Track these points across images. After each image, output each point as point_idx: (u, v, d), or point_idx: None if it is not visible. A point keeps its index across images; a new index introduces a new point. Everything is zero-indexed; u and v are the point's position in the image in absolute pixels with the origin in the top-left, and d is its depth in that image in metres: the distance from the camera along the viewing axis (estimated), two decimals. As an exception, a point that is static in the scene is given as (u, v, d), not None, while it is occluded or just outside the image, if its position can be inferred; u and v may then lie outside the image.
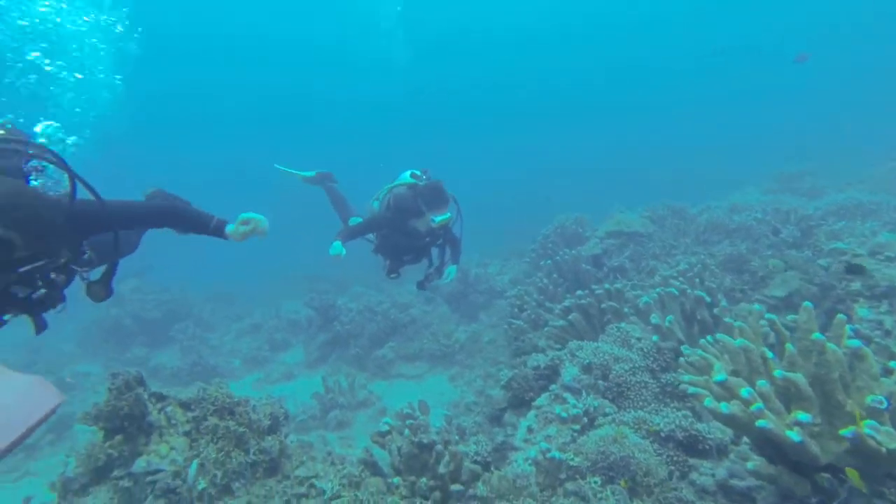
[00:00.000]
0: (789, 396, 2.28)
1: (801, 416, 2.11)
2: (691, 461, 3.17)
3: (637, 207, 8.60)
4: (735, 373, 2.57)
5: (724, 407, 2.26)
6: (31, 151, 2.08)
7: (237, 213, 2.83)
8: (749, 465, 2.28)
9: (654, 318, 4.10)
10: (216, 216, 2.77)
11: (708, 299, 4.41)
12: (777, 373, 2.28)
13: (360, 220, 5.90)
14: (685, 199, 9.29)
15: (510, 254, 11.27)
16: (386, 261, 5.76)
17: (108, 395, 3.12)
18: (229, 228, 2.71)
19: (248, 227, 2.70)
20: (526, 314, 6.17)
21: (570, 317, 4.90)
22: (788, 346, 2.42)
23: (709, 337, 3.04)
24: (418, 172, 5.34)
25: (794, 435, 2.05)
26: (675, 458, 3.16)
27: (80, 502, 3.00)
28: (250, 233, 2.70)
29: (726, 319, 3.87)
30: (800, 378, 2.21)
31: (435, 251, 5.84)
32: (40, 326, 2.47)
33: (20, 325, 2.54)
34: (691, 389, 2.50)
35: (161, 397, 3.31)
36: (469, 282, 9.95)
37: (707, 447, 3.21)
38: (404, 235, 5.25)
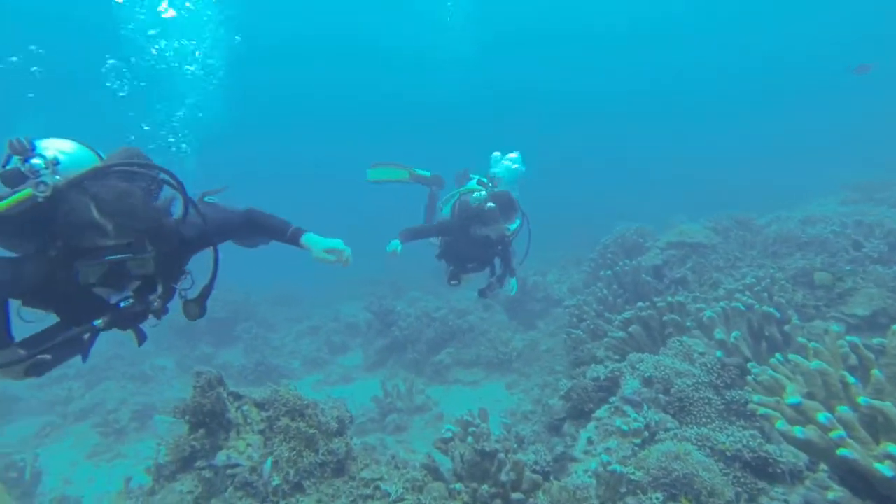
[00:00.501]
0: (877, 426, 2.19)
1: (894, 448, 2.02)
2: (760, 484, 3.07)
3: (700, 218, 8.35)
4: (810, 396, 2.49)
5: (798, 431, 2.20)
6: (153, 173, 2.17)
7: (312, 213, 2.90)
8: (830, 495, 2.22)
9: (719, 334, 4.01)
10: (292, 224, 2.77)
11: (777, 315, 4.25)
12: (862, 400, 2.19)
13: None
14: (752, 209, 8.95)
15: (568, 262, 11.18)
16: (449, 267, 5.74)
17: (192, 392, 3.36)
18: (308, 239, 2.70)
19: (332, 258, 2.70)
20: (585, 324, 6.13)
21: (630, 329, 4.84)
22: (875, 371, 2.33)
23: (778, 356, 2.95)
24: (485, 180, 5.38)
25: (886, 469, 1.96)
26: (742, 480, 3.08)
27: (170, 487, 3.24)
28: (334, 262, 2.72)
29: (799, 339, 3.73)
30: (889, 408, 2.12)
31: (497, 261, 5.84)
32: (141, 338, 2.62)
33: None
34: (761, 410, 2.45)
35: (238, 396, 3.53)
36: (527, 290, 9.94)
37: (779, 471, 3.10)
38: (472, 242, 5.23)
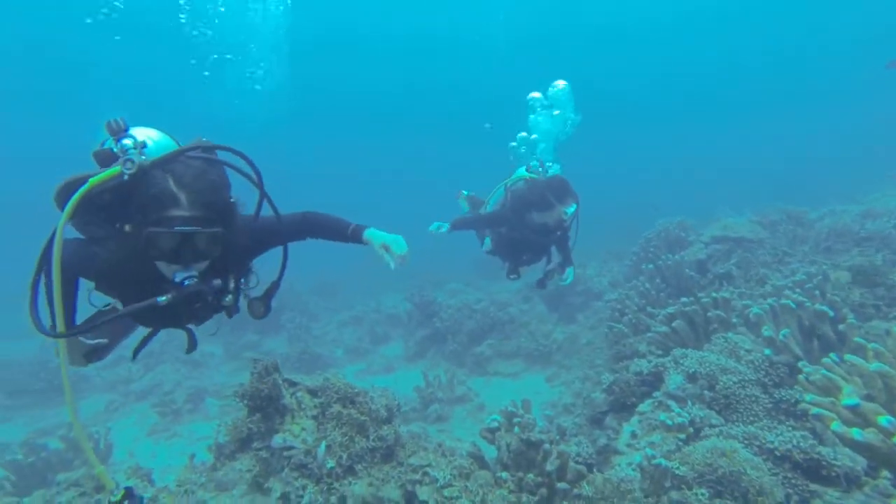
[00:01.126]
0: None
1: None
2: (813, 487, 3.03)
3: (745, 211, 8.13)
4: (869, 398, 2.46)
5: (856, 433, 2.19)
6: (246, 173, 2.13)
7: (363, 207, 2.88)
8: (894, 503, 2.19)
9: (767, 331, 3.95)
10: (352, 222, 2.68)
11: (831, 314, 4.15)
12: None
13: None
14: (802, 203, 8.65)
15: (609, 256, 11.06)
16: (504, 262, 5.53)
17: (251, 377, 3.54)
18: (369, 234, 2.58)
19: (388, 255, 2.54)
20: (627, 318, 6.11)
21: (673, 324, 4.81)
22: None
23: (833, 355, 2.90)
24: (535, 165, 5.15)
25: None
26: (792, 481, 3.04)
27: (230, 465, 3.45)
28: (393, 260, 2.56)
29: (855, 339, 3.63)
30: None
31: (552, 250, 5.56)
32: (192, 345, 2.67)
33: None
34: (815, 410, 2.43)
35: (292, 383, 3.71)
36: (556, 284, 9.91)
37: (833, 474, 3.04)
38: (527, 232, 5.01)
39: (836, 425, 2.25)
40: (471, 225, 5.36)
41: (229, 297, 2.27)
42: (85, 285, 2.24)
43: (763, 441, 3.26)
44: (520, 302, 9.77)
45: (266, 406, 3.56)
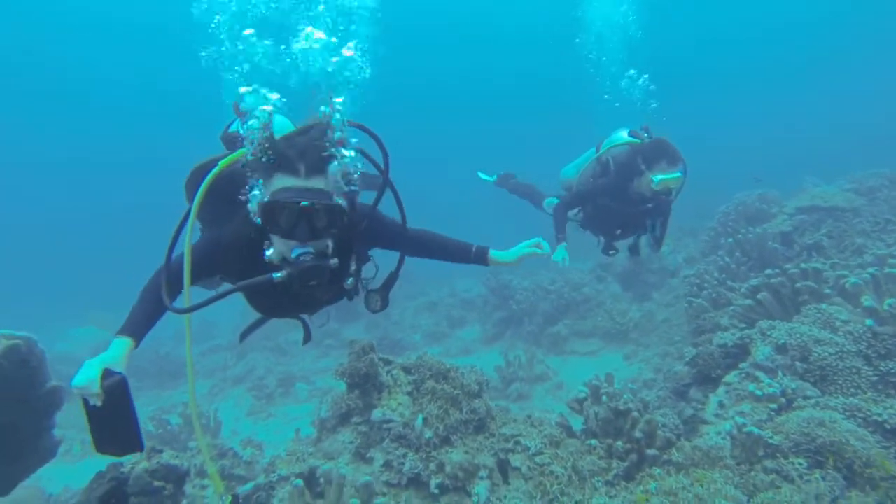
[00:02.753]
0: None
1: None
2: (930, 461, 2.94)
3: (837, 179, 7.65)
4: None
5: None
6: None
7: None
8: None
9: (868, 301, 3.80)
10: (474, 244, 2.61)
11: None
12: None
13: (555, 200, 5.24)
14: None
15: (682, 233, 10.73)
16: (598, 237, 5.06)
17: (349, 357, 3.84)
18: (496, 255, 2.55)
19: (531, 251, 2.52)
20: (706, 293, 6.00)
21: (758, 296, 4.70)
22: None
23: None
24: (638, 129, 4.60)
25: None
26: (907, 455, 2.96)
27: (332, 438, 3.78)
28: (536, 255, 2.55)
29: None
30: None
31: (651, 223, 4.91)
32: (307, 337, 2.78)
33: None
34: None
35: (387, 362, 3.99)
36: (641, 260, 9.75)
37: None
38: (626, 204, 4.50)
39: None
40: (565, 215, 4.75)
41: (350, 280, 2.25)
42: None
43: (868, 413, 3.18)
44: (594, 282, 9.71)
45: (364, 383, 3.85)
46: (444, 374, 3.75)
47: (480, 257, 2.56)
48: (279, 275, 1.89)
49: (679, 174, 4.14)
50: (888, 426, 2.98)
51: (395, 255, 2.60)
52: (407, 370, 3.90)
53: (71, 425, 6.35)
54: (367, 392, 3.87)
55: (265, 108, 1.99)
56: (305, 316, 2.76)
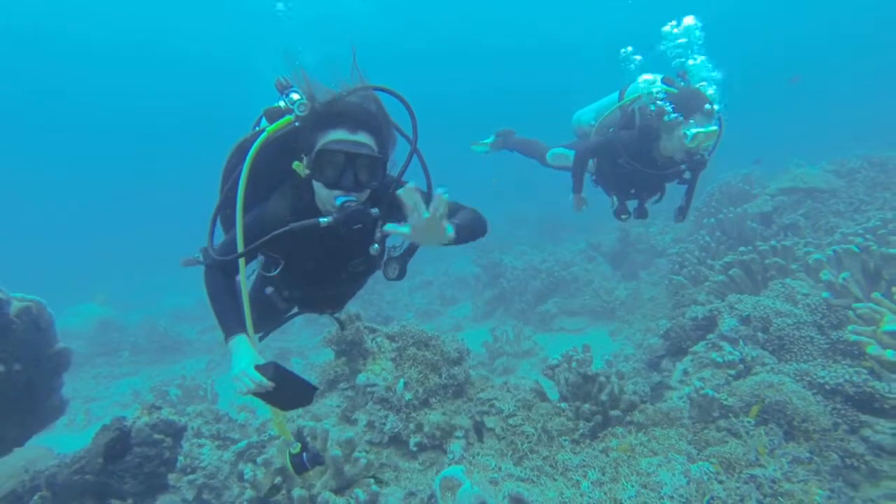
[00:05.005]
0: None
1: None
2: (863, 417, 3.16)
3: (821, 161, 7.83)
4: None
5: (890, 354, 2.38)
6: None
7: None
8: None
9: (826, 275, 4.02)
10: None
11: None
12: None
13: (561, 150, 4.93)
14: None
15: (672, 213, 10.94)
16: (611, 196, 4.62)
17: (336, 326, 4.07)
18: None
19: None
20: (686, 270, 6.23)
21: (730, 272, 4.93)
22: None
23: (877, 293, 3.02)
24: (673, 76, 4.07)
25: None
26: (842, 412, 3.19)
27: (322, 402, 4.02)
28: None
29: None
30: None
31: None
32: (341, 324, 2.97)
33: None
34: (853, 337, 2.62)
35: (372, 330, 4.22)
36: (629, 241, 9.98)
37: (886, 406, 3.15)
38: (646, 164, 4.09)
39: (872, 349, 2.44)
40: (583, 168, 4.42)
41: (376, 247, 2.30)
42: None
43: (814, 377, 3.42)
44: (584, 262, 9.95)
45: (350, 350, 4.09)
46: (425, 342, 3.98)
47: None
48: (326, 219, 2.01)
49: (716, 127, 3.72)
50: (828, 387, 3.20)
51: None
52: (391, 338, 4.13)
53: (75, 396, 6.64)
54: (354, 358, 4.12)
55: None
56: (330, 311, 2.90)
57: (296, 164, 2.07)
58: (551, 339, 8.26)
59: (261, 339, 2.97)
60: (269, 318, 2.76)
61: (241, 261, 2.10)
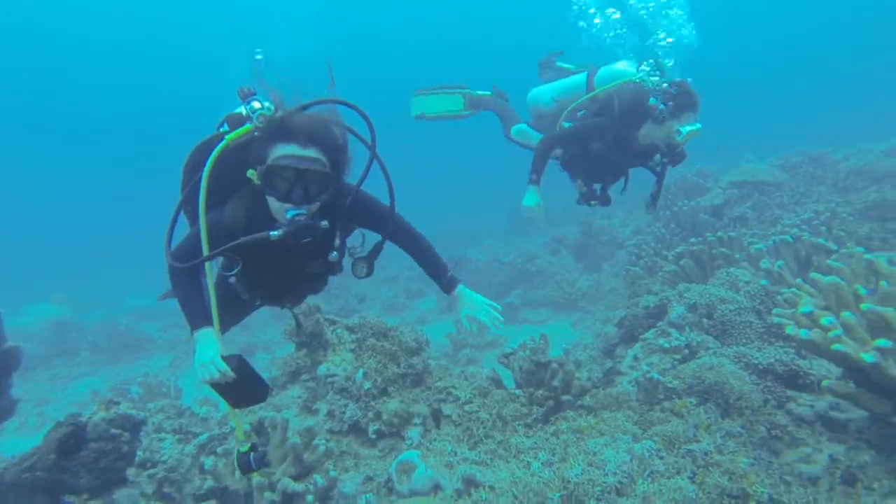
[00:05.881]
0: (880, 329, 2.50)
1: (881, 341, 2.36)
2: (790, 393, 3.42)
3: (768, 157, 8.20)
4: (826, 307, 2.81)
5: (803, 333, 2.57)
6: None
7: None
8: (825, 382, 2.58)
9: (765, 263, 4.25)
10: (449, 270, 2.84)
11: (835, 247, 4.40)
12: (864, 306, 2.51)
13: (525, 127, 4.81)
14: (834, 145, 8.60)
15: (634, 205, 11.22)
16: (575, 181, 4.47)
17: (296, 318, 4.11)
18: (461, 291, 2.81)
19: (485, 319, 2.76)
20: (643, 262, 6.46)
21: (681, 262, 5.14)
22: (882, 283, 2.62)
23: (799, 279, 3.23)
24: (651, 67, 3.93)
25: (869, 357, 2.32)
26: (772, 389, 3.43)
27: (283, 393, 4.07)
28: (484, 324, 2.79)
29: (828, 262, 3.90)
30: (889, 311, 2.43)
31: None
32: (298, 323, 3.05)
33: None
34: (776, 319, 2.81)
35: (332, 321, 4.27)
36: (592, 233, 10.22)
37: (808, 381, 3.43)
38: (623, 152, 4.03)
39: (790, 328, 2.62)
40: (546, 156, 4.20)
41: (335, 254, 2.40)
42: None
43: (750, 358, 3.64)
44: (547, 254, 10.16)
45: (311, 342, 4.14)
46: (384, 333, 4.06)
47: (449, 286, 2.77)
48: (276, 233, 2.09)
49: (700, 125, 3.73)
50: (761, 367, 3.43)
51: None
52: (351, 329, 4.19)
53: (28, 398, 6.49)
54: (314, 350, 4.17)
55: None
56: (290, 305, 2.96)
57: (250, 173, 2.13)
58: (516, 330, 8.42)
59: (223, 332, 3.06)
60: (233, 309, 2.81)
61: (205, 251, 2.14)
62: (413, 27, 30.02)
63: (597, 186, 4.48)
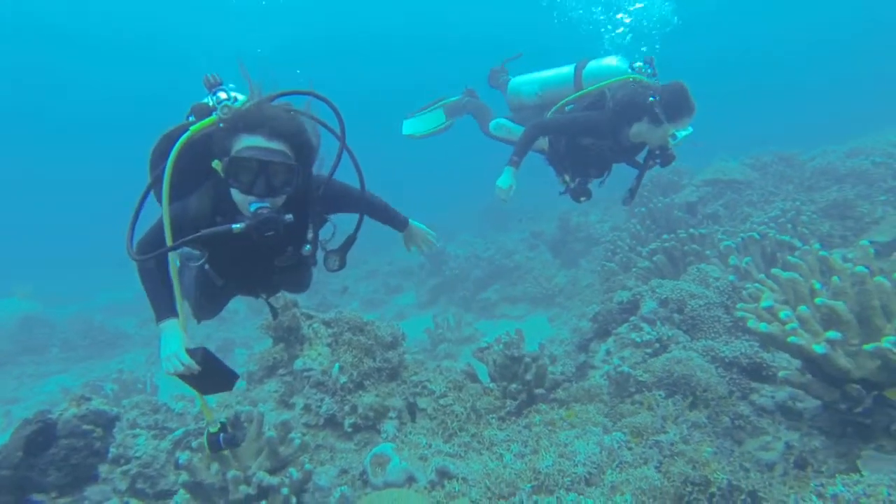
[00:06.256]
0: (831, 321, 2.63)
1: (831, 333, 2.48)
2: (753, 384, 3.54)
3: (740, 156, 8.41)
4: (785, 301, 2.93)
5: (763, 326, 2.67)
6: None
7: None
8: (781, 374, 2.69)
9: (733, 260, 4.38)
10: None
11: (799, 244, 4.56)
12: (818, 300, 2.63)
13: (503, 121, 4.76)
14: (803, 145, 8.85)
15: (611, 202, 11.39)
16: (563, 176, 4.39)
17: (271, 307, 4.11)
18: (414, 223, 3.07)
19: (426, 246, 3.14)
20: (618, 258, 6.58)
21: (654, 258, 5.25)
22: (835, 278, 2.74)
23: (762, 275, 3.35)
24: (640, 64, 3.94)
25: (820, 348, 2.43)
26: (737, 381, 3.56)
27: (260, 388, 4.07)
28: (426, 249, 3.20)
29: (789, 258, 4.03)
30: (839, 305, 2.55)
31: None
32: (274, 314, 3.06)
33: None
34: (739, 314, 2.91)
35: (309, 316, 4.28)
36: (570, 229, 10.35)
37: (771, 374, 3.56)
38: (612, 148, 4.00)
39: (751, 322, 2.73)
40: (529, 145, 4.09)
41: (308, 248, 2.40)
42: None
43: (717, 351, 3.76)
44: (525, 250, 10.26)
45: (288, 336, 4.15)
46: (360, 328, 4.09)
47: (403, 226, 3.06)
48: (239, 226, 2.05)
49: (691, 129, 3.77)
50: (727, 360, 3.54)
51: (353, 217, 2.72)
52: (327, 324, 4.21)
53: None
54: (291, 344, 4.18)
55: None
56: (264, 295, 2.95)
57: (215, 163, 2.10)
58: (493, 325, 8.53)
59: (207, 319, 3.04)
60: (211, 295, 2.82)
61: (169, 243, 2.12)
62: (397, 21, 29.80)
63: (577, 180, 4.41)
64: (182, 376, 2.10)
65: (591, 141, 4.03)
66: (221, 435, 2.35)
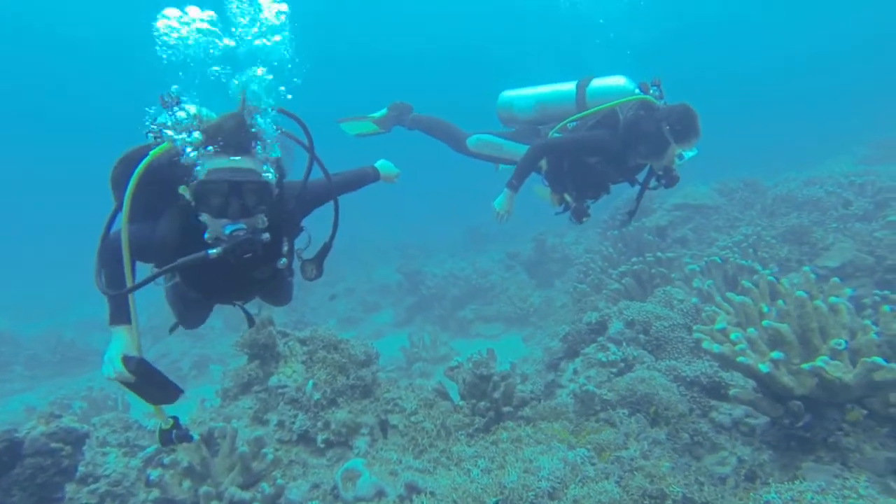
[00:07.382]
0: (777, 342, 2.80)
1: (775, 354, 2.65)
2: (713, 402, 3.71)
3: (710, 181, 8.74)
4: (738, 324, 3.10)
5: (716, 347, 2.83)
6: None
7: None
8: (731, 391, 2.85)
9: (696, 283, 4.58)
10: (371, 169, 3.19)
11: (759, 268, 4.78)
12: (765, 323, 2.81)
13: (486, 136, 4.60)
14: (768, 171, 9.25)
15: (587, 224, 11.66)
16: (562, 195, 4.31)
17: (249, 330, 4.17)
18: (381, 165, 3.24)
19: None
20: (590, 279, 6.76)
21: (623, 280, 5.44)
22: (780, 301, 2.93)
23: (718, 297, 3.53)
24: (647, 82, 3.91)
25: (764, 367, 2.60)
26: (697, 399, 3.72)
27: (235, 405, 4.11)
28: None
29: (743, 282, 4.19)
30: (783, 327, 2.74)
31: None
32: (250, 320, 3.07)
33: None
34: (695, 335, 3.08)
35: (284, 334, 4.35)
36: (545, 250, 10.56)
37: (728, 392, 3.72)
38: (618, 168, 3.97)
39: (705, 343, 2.89)
40: (532, 167, 4.05)
41: (283, 261, 2.38)
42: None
43: (679, 371, 3.92)
44: (502, 270, 10.43)
45: (263, 353, 4.20)
46: (334, 345, 4.16)
47: (377, 175, 3.21)
48: (215, 251, 1.99)
49: (696, 151, 3.76)
50: (688, 379, 3.70)
51: (328, 225, 2.72)
52: (302, 342, 4.28)
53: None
54: (266, 362, 4.23)
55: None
56: (240, 303, 2.88)
57: (182, 188, 2.05)
58: (469, 344, 8.61)
59: (193, 328, 3.14)
60: (190, 305, 2.84)
61: (128, 267, 2.10)
62: (383, 34, 30.11)
63: (569, 198, 4.32)
64: (124, 383, 2.10)
65: (598, 160, 3.97)
66: (174, 431, 2.36)
